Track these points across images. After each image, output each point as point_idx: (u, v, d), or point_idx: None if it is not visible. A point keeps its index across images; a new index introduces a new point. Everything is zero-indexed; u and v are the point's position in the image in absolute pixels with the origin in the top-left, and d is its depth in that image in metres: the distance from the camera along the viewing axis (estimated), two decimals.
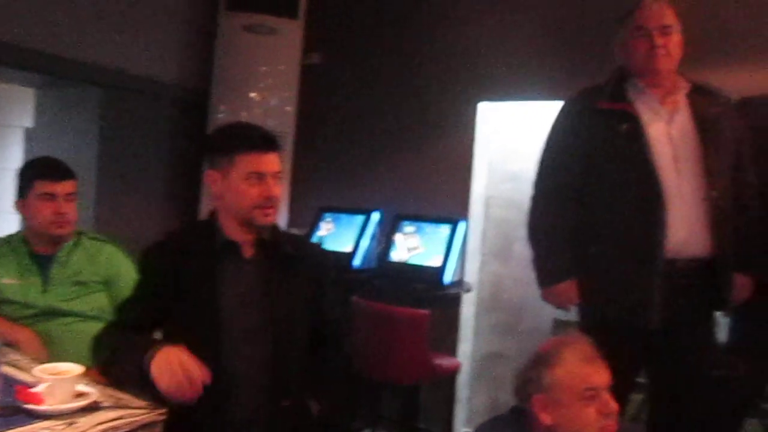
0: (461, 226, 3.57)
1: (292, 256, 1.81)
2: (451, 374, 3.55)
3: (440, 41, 3.82)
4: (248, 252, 1.78)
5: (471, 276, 3.72)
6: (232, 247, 1.76)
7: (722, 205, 2.01)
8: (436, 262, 3.53)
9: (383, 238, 3.75)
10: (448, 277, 3.50)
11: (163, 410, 1.48)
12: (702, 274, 2.02)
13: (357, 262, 3.71)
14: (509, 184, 3.73)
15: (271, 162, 1.73)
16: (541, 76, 3.41)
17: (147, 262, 1.79)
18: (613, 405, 1.50)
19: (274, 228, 1.82)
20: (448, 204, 3.68)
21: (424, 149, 3.83)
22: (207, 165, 1.78)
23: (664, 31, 2.04)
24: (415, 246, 3.62)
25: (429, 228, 3.61)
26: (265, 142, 1.75)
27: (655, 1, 2.08)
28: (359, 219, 3.79)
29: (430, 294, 3.49)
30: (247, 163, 1.71)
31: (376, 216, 3.79)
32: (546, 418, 1.52)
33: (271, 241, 1.80)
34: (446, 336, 3.69)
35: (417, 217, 3.67)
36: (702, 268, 2.02)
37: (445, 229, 3.56)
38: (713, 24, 2.72)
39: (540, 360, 1.58)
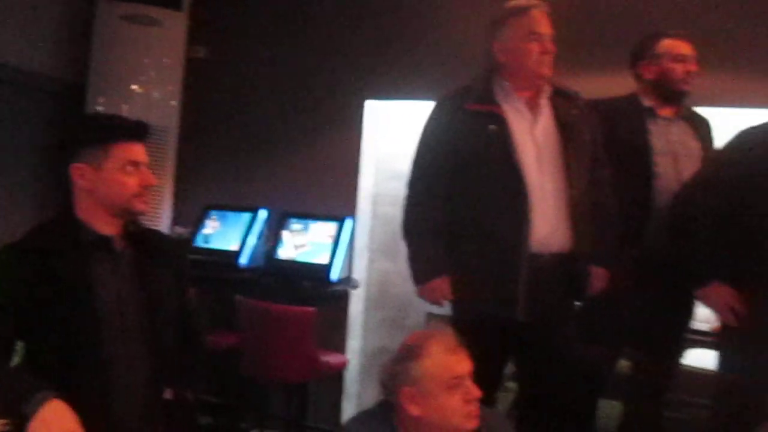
0: (348, 224, 3.59)
1: (159, 248, 1.79)
2: (339, 371, 3.57)
3: (328, 38, 3.82)
4: (119, 246, 1.72)
5: (359, 273, 3.75)
6: (104, 242, 1.70)
7: (581, 203, 2.12)
8: (323, 259, 3.53)
9: (270, 236, 3.71)
10: (335, 275, 3.51)
11: (5, 421, 1.39)
12: (563, 267, 2.13)
13: (243, 260, 3.65)
14: (396, 182, 3.75)
15: (144, 151, 1.73)
16: (428, 76, 3.48)
17: (2, 267, 1.68)
18: (476, 391, 1.55)
19: (135, 220, 1.77)
20: (335, 201, 3.69)
21: (311, 146, 3.81)
22: (71, 159, 1.68)
23: (551, 38, 2.14)
24: (303, 244, 3.61)
25: (316, 226, 3.61)
26: (141, 130, 1.73)
27: (540, 8, 2.16)
28: (246, 217, 3.73)
29: (317, 291, 3.49)
30: (124, 152, 1.67)
31: (263, 214, 3.74)
32: (414, 410, 1.55)
33: (137, 233, 1.76)
34: (335, 333, 3.71)
35: (304, 215, 3.66)
36: (563, 262, 2.13)
37: (332, 227, 3.57)
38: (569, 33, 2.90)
39: (406, 353, 1.61)
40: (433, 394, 1.53)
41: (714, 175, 2.15)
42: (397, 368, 1.61)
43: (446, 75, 3.33)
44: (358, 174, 3.73)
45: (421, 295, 2.23)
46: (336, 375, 3.61)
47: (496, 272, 2.08)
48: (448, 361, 1.56)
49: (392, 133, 3.82)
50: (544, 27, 2.12)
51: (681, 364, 2.55)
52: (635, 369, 2.47)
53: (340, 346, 3.72)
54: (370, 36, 3.73)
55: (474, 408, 1.55)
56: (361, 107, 3.71)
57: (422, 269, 2.20)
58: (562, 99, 2.18)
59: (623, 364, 2.52)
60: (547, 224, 2.08)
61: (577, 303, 2.26)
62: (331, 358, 3.39)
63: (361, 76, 3.71)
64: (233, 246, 3.68)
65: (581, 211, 2.13)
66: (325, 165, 3.76)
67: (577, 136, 2.15)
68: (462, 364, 1.57)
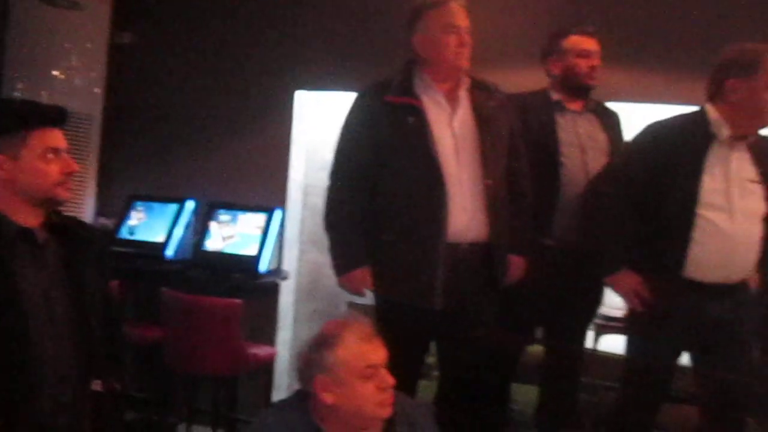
0: (277, 215, 3.56)
1: (82, 238, 1.75)
2: (269, 363, 3.55)
3: (258, 27, 3.77)
4: (41, 237, 1.66)
5: (289, 264, 3.73)
6: (27, 234, 1.64)
7: (497, 193, 2.18)
8: (251, 251, 3.50)
9: (198, 228, 3.65)
10: (264, 266, 3.49)
11: None
12: (481, 256, 2.18)
13: (170, 252, 3.58)
14: (327, 173, 3.77)
15: (63, 137, 1.68)
16: (358, 67, 3.48)
17: None
18: (390, 380, 1.57)
19: (57, 210, 1.72)
20: (264, 192, 3.66)
21: (240, 136, 3.77)
22: None
23: (468, 31, 2.17)
24: (231, 235, 3.57)
25: (245, 217, 3.57)
26: (58, 115, 1.68)
27: (457, 1, 2.18)
28: (172, 208, 3.66)
29: (246, 283, 3.46)
30: (42, 139, 1.62)
31: (190, 205, 3.68)
32: (328, 398, 1.56)
33: (59, 224, 1.71)
34: (264, 325, 3.68)
35: (232, 206, 3.62)
36: (481, 251, 2.17)
37: (261, 218, 3.54)
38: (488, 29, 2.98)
39: (321, 342, 1.62)
40: (347, 382, 1.54)
41: (622, 167, 2.24)
42: (312, 356, 1.62)
43: (376, 66, 3.33)
44: (288, 164, 3.71)
45: (342, 285, 2.24)
46: (265, 367, 3.59)
47: (414, 262, 2.11)
48: (363, 350, 1.57)
49: (323, 124, 3.81)
50: (461, 20, 2.15)
51: (596, 350, 2.66)
52: (548, 354, 2.55)
53: (270, 339, 3.70)
54: (300, 26, 3.70)
55: (388, 396, 1.57)
56: (290, 97, 3.68)
57: (343, 260, 2.21)
58: (480, 92, 2.22)
59: (538, 349, 2.60)
60: (465, 214, 2.12)
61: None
62: (260, 351, 3.36)
63: (290, 66, 3.68)
64: (159, 238, 3.61)
65: (498, 201, 2.18)
66: (254, 155, 3.73)
67: (495, 128, 2.20)
68: (376, 353, 1.59)
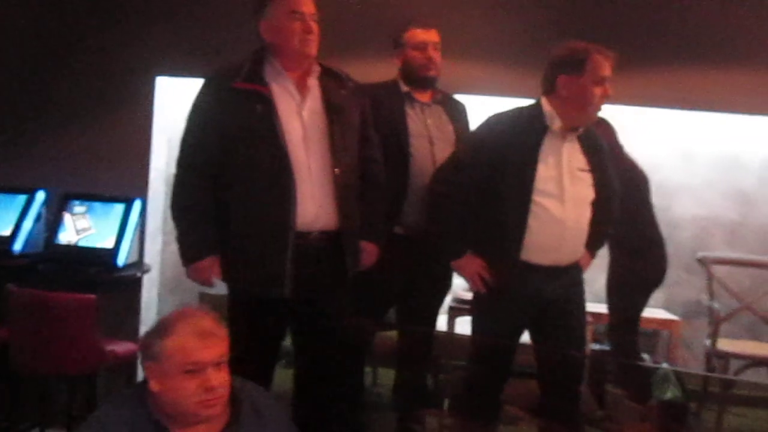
0: (137, 205, 3.43)
1: None
2: (129, 360, 3.42)
3: (115, 10, 3.60)
4: None
5: (152, 257, 3.61)
6: None
7: (348, 181, 2.20)
8: (109, 243, 3.35)
9: (50, 220, 3.45)
10: (122, 259, 3.35)
11: None
12: (332, 244, 2.20)
13: (18, 246, 3.36)
14: None
15: None
16: (219, 53, 3.41)
17: None
18: (214, 382, 1.53)
19: None
20: (122, 182, 3.51)
21: (96, 123, 3.59)
22: None
23: (314, 18, 2.17)
24: (86, 227, 3.39)
25: (101, 208, 3.41)
26: None
27: None
28: (20, 199, 3.43)
29: (103, 278, 3.31)
30: None
31: (40, 195, 3.46)
32: (154, 385, 1.53)
33: None
34: (126, 320, 3.54)
35: (88, 196, 3.44)
36: (331, 239, 2.20)
37: (118, 209, 3.40)
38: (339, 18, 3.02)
39: (157, 329, 1.59)
40: (171, 374, 1.52)
41: (465, 157, 2.35)
42: (146, 342, 1.59)
43: (241, 53, 3.28)
44: (149, 153, 3.58)
45: (190, 275, 2.20)
46: (127, 365, 3.45)
47: (263, 252, 2.10)
48: (191, 345, 1.53)
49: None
50: (306, 6, 2.15)
51: (451, 332, 2.78)
52: (401, 338, 2.64)
53: (132, 335, 3.56)
54: (160, 11, 3.57)
55: (212, 397, 1.53)
56: (150, 83, 3.55)
57: (190, 249, 2.17)
58: (331, 80, 2.24)
59: (393, 334, 2.69)
60: (314, 203, 2.13)
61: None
62: (119, 348, 3.23)
63: (151, 51, 3.55)
64: (6, 231, 3.37)
65: (348, 189, 2.21)
66: (111, 143, 3.57)
67: (345, 117, 2.23)
68: (207, 351, 1.54)
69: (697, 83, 3.82)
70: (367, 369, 2.95)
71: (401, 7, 3.16)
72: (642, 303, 3.21)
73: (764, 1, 3.54)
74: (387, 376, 2.94)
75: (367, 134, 2.34)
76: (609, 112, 2.32)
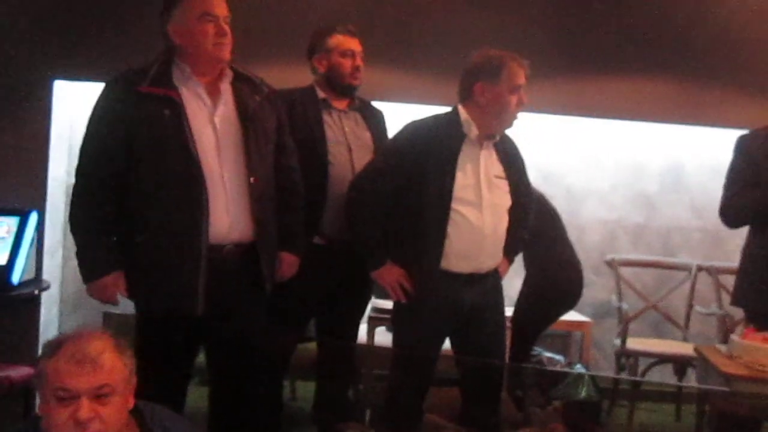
0: (33, 218, 3.19)
1: None
2: (25, 384, 3.16)
3: (8, 12, 3.35)
4: None
5: (51, 273, 3.38)
6: None
7: (263, 191, 2.12)
8: (2, 259, 3.10)
9: None
10: (17, 276, 3.10)
11: None
12: (248, 257, 2.11)
13: None
14: None
15: None
16: (121, 57, 3.23)
17: None
18: (84, 414, 1.36)
19: None
20: (17, 192, 3.27)
21: None
22: None
23: (226, 20, 2.07)
24: None
25: None
26: None
27: None
28: None
29: None
30: None
31: None
32: (42, 408, 1.42)
33: None
34: (23, 342, 3.29)
35: None
36: (247, 251, 2.11)
37: (11, 222, 3.15)
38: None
39: (44, 349, 1.46)
40: (46, 399, 1.39)
41: (383, 164, 2.32)
42: (37, 361, 1.46)
43: (140, 55, 3.12)
44: (47, 161, 3.35)
45: (91, 293, 2.05)
46: (24, 390, 3.20)
47: (173, 266, 1.99)
48: (64, 369, 1.38)
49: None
50: (219, 8, 2.06)
51: (372, 342, 2.74)
52: (321, 350, 2.58)
53: (30, 358, 3.30)
54: (58, 13, 3.35)
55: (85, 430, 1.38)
56: (47, 87, 3.32)
57: (91, 265, 2.02)
58: (244, 85, 2.15)
59: (312, 346, 2.62)
60: (227, 214, 2.04)
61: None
62: (15, 372, 2.98)
63: (47, 54, 3.32)
64: None
65: (264, 199, 2.13)
66: (4, 150, 3.31)
67: (260, 123, 2.14)
68: (80, 379, 1.38)
69: (602, 92, 3.99)
70: (285, 383, 2.86)
71: (316, 11, 3.11)
72: (546, 321, 3.28)
73: (664, 10, 3.73)
74: (306, 389, 2.86)
75: (284, 142, 2.26)
76: (523, 120, 2.34)
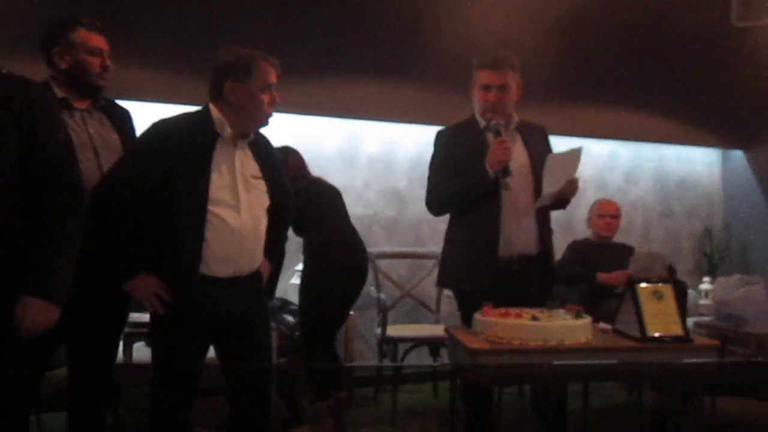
0: None
1: None
2: None
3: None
4: None
5: None
6: None
7: None
8: None
9: None
10: None
11: None
12: None
13: None
14: None
15: None
16: None
17: None
18: None
19: None
20: None
21: None
22: None
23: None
24: None
25: None
26: None
27: None
28: None
29: None
30: None
31: None
32: None
33: None
34: None
35: None
36: None
37: None
38: None
39: None
40: None
41: (130, 167, 2.16)
42: None
43: None
44: None
45: None
46: None
47: None
48: None
49: None
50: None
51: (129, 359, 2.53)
52: (73, 372, 2.31)
53: None
54: None
55: None
56: None
57: None
58: None
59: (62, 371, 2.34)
60: None
61: None
62: None
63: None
64: None
65: None
66: None
67: None
68: None
69: (355, 94, 4.20)
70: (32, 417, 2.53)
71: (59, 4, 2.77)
72: (335, 305, 3.40)
73: (408, 27, 4.05)
74: (57, 420, 2.55)
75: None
76: (277, 119, 2.34)
